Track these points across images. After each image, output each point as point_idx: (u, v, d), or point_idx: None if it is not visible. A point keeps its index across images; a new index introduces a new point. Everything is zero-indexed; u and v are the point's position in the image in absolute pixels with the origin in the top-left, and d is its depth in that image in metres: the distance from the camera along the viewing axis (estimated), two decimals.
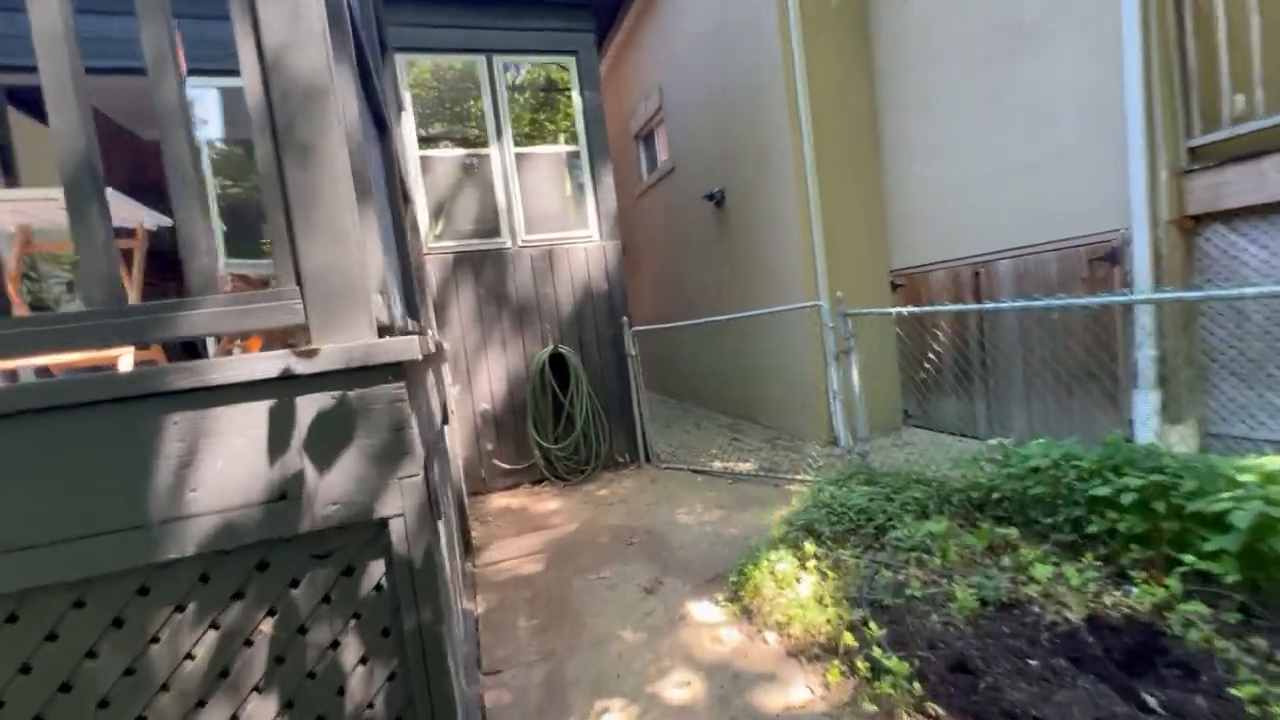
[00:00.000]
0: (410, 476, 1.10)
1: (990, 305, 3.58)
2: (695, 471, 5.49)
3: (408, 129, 5.28)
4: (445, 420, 3.50)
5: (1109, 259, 4.16)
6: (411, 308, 2.69)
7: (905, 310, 3.89)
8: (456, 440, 5.10)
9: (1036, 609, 2.54)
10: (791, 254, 5.98)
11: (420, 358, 1.38)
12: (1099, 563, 2.64)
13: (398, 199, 2.68)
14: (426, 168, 5.38)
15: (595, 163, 5.79)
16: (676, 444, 6.61)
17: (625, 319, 5.80)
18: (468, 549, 4.06)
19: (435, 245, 5.39)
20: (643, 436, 5.93)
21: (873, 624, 2.53)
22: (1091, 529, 2.71)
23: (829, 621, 2.67)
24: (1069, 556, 2.79)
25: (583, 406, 5.52)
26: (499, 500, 5.37)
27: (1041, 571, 2.61)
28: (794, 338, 5.52)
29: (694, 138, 7.84)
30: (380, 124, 2.57)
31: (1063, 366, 4.45)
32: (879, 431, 5.82)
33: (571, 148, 5.79)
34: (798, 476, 4.84)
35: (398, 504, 1.11)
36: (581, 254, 5.79)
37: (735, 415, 7.65)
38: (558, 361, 5.59)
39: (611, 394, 5.88)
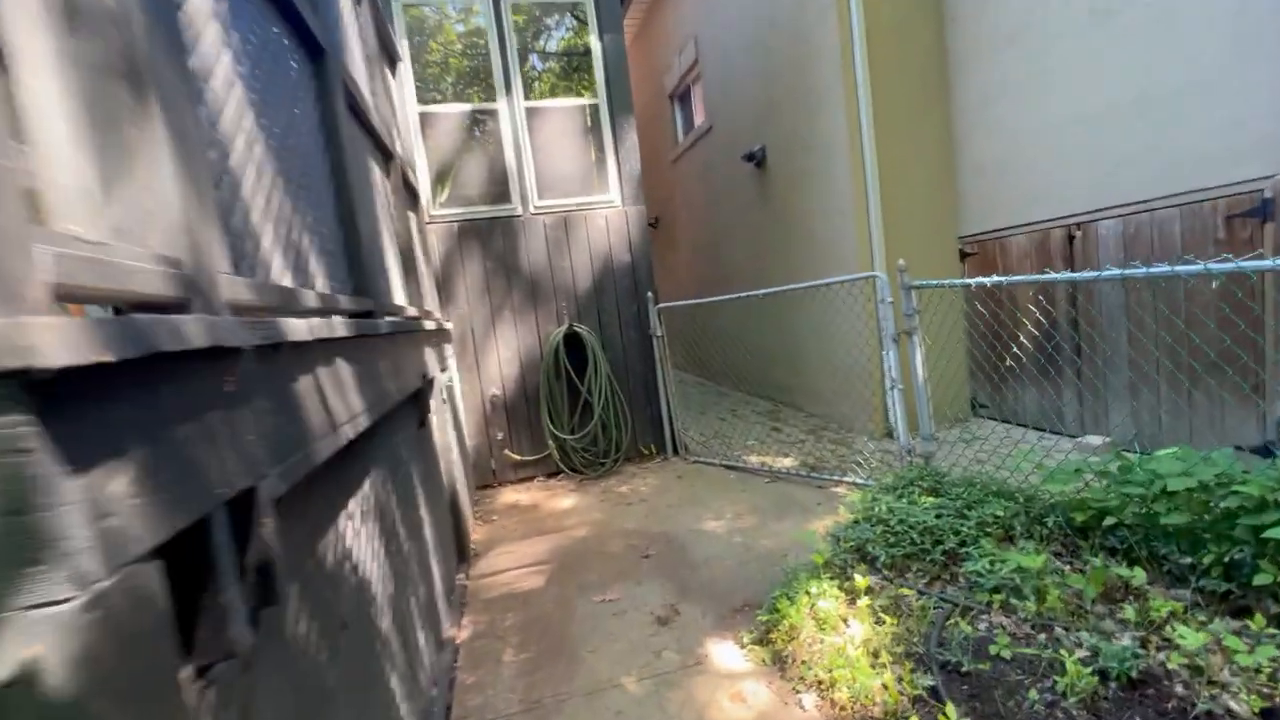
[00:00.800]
0: (51, 605, 0.55)
1: (1093, 274, 2.77)
2: (728, 467, 4.86)
3: (406, 84, 4.72)
4: (423, 423, 2.99)
5: (1256, 214, 3.26)
6: (364, 282, 2.15)
7: (988, 281, 3.12)
8: (463, 428, 4.63)
9: (1182, 690, 1.84)
10: (843, 218, 5.20)
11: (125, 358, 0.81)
12: (1275, 630, 1.91)
13: (342, 143, 2.13)
14: (427, 126, 4.82)
15: (617, 117, 5.12)
16: (709, 433, 5.99)
17: (650, 294, 5.17)
18: (462, 557, 3.58)
19: (438, 213, 4.86)
20: (670, 425, 5.33)
21: (949, 704, 1.88)
22: (1261, 580, 1.97)
23: (886, 688, 2.04)
24: (1223, 615, 2.06)
25: (602, 392, 4.95)
26: (509, 495, 4.88)
27: (1189, 637, 1.90)
28: (844, 315, 4.79)
29: (733, 92, 7.04)
30: (313, 46, 2.00)
31: (1183, 352, 3.59)
32: (944, 423, 5.05)
33: (590, 100, 5.13)
34: (846, 479, 4.15)
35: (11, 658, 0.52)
36: (601, 221, 5.16)
37: (776, 401, 6.95)
38: (574, 342, 5.02)
39: (635, 378, 5.28)
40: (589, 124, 5.13)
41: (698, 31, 7.76)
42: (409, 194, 4.26)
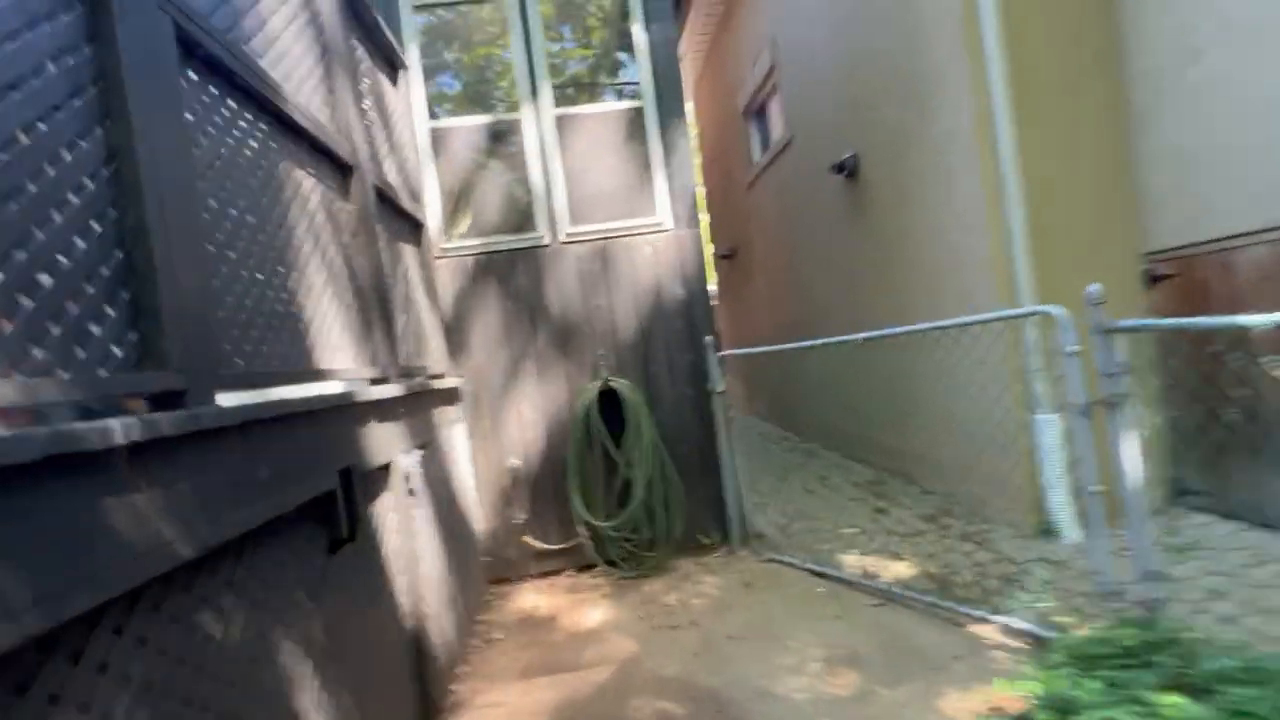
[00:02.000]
0: None
1: None
2: (816, 573, 3.57)
3: (414, 95, 4.00)
4: (347, 539, 2.01)
5: None
6: (177, 344, 1.25)
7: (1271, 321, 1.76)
8: (468, 513, 3.68)
9: None
10: (968, 234, 3.87)
11: None
12: None
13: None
14: (440, 144, 4.06)
15: (667, 122, 4.15)
16: (791, 511, 4.70)
17: (709, 339, 4.05)
18: (426, 716, 2.54)
19: (452, 246, 4.04)
20: (736, 509, 4.11)
21: None
22: None
23: None
24: None
25: (646, 466, 3.85)
26: (526, 597, 3.84)
27: None
28: (978, 365, 3.44)
29: (816, 96, 5.91)
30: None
31: None
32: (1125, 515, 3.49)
33: (633, 104, 4.19)
34: (996, 618, 2.75)
35: None
36: (647, 250, 4.15)
37: (881, 469, 5.52)
38: (611, 401, 3.98)
39: (689, 446, 4.14)
40: (631, 132, 4.18)
41: (774, 34, 6.74)
42: (403, 223, 3.45)
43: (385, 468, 2.43)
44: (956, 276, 4.06)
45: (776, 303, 7.78)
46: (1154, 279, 3.79)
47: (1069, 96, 3.74)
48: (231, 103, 1.70)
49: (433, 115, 4.08)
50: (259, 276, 1.73)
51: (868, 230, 5.15)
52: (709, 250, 12.12)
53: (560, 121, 4.11)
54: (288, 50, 2.14)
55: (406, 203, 3.51)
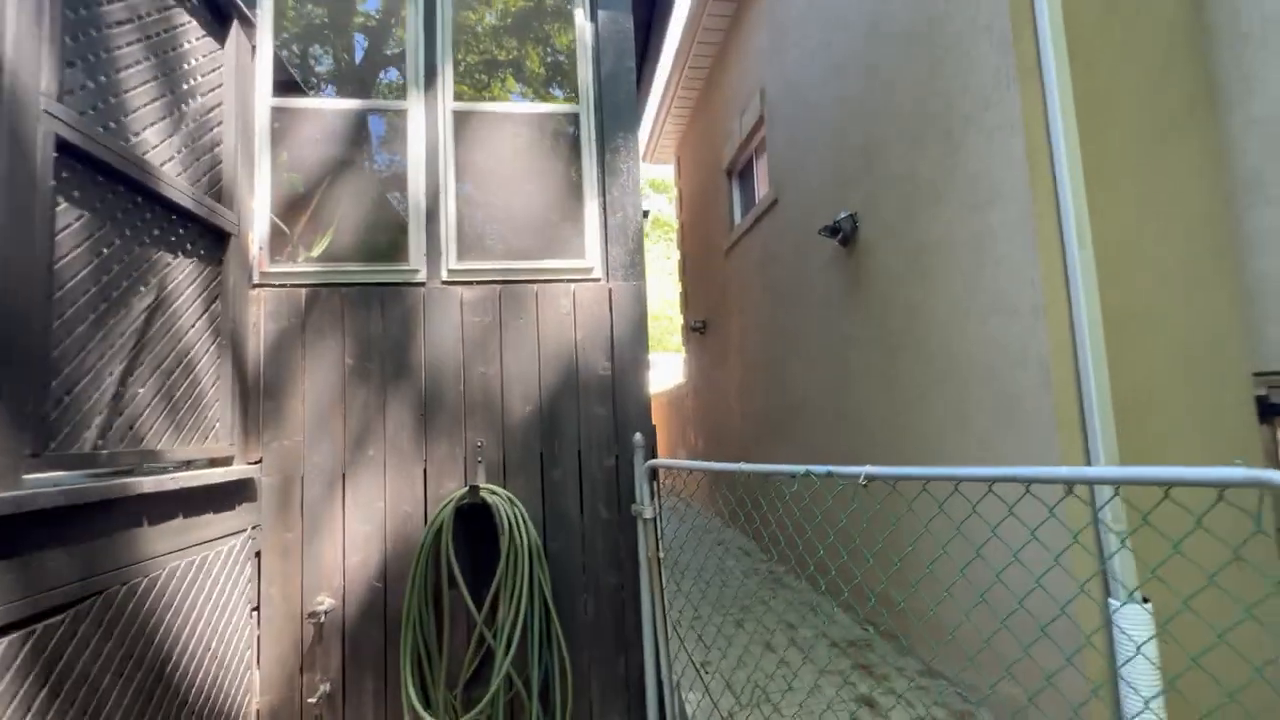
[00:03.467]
0: None
1: None
2: None
3: (261, 59, 2.87)
4: None
5: None
6: None
7: None
8: (232, 681, 2.28)
9: None
10: (1015, 321, 2.74)
11: None
12: None
13: None
14: (283, 129, 2.90)
15: (609, 135, 3.06)
16: (743, 683, 3.30)
17: (638, 437, 2.78)
18: None
19: (278, 271, 2.80)
20: (660, 697, 2.71)
21: None
22: None
23: None
24: None
25: (521, 626, 2.47)
26: None
27: None
28: (1009, 508, 2.23)
29: (807, 147, 4.97)
30: None
31: None
32: None
33: (565, 107, 3.10)
34: None
35: None
36: (564, 303, 2.95)
37: (869, 620, 4.16)
38: (480, 519, 2.64)
39: (598, 598, 2.79)
40: (559, 144, 3.08)
41: (764, 82, 5.91)
42: (175, 227, 2.22)
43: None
44: (992, 376, 2.90)
45: (750, 388, 6.60)
46: (1270, 409, 2.66)
47: (1154, 146, 2.72)
48: None
49: (279, 88, 2.94)
50: None
51: (865, 308, 4.04)
52: (680, 321, 11.07)
53: (461, 119, 2.99)
54: None
55: (185, 196, 2.29)
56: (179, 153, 2.33)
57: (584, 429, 2.89)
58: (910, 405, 3.57)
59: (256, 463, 2.67)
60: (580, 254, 3.00)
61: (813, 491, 4.82)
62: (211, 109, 2.56)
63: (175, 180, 2.26)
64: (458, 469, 2.79)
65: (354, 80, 3.16)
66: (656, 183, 30.95)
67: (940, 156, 3.25)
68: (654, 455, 2.93)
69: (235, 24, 2.72)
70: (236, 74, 2.70)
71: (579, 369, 2.92)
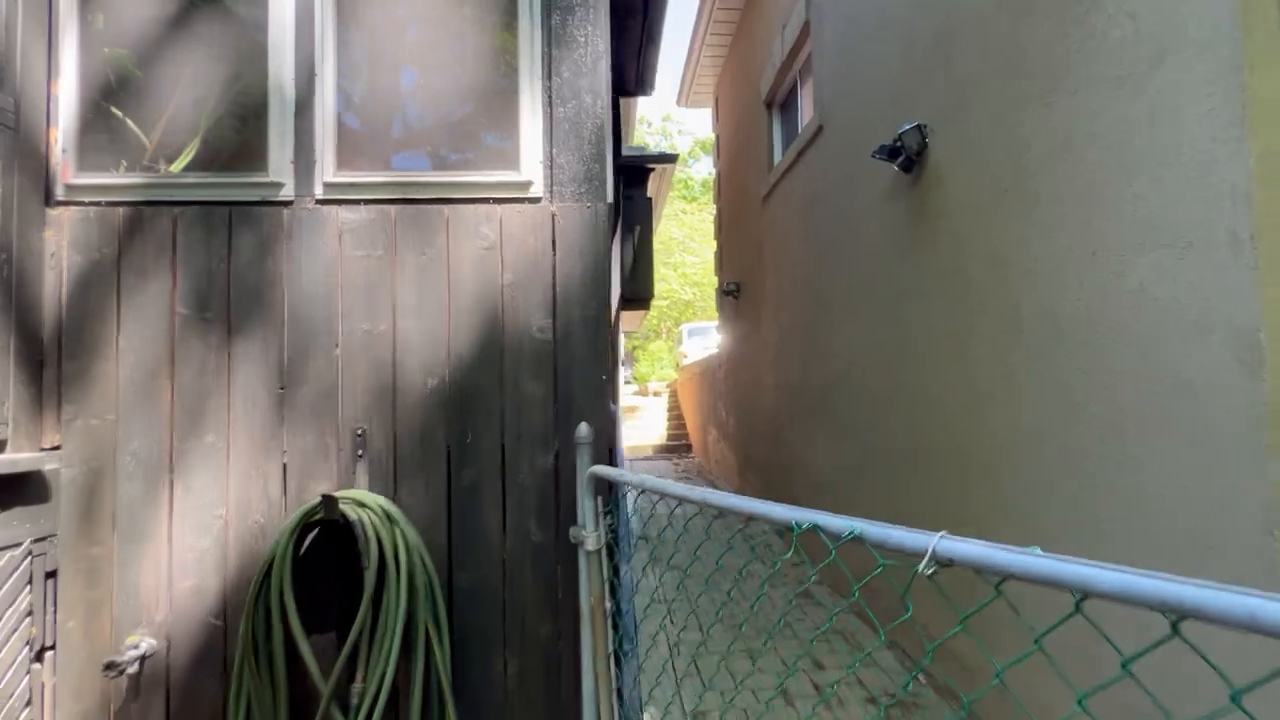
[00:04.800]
0: None
1: None
2: None
3: None
4: None
5: None
6: None
7: None
8: None
9: None
10: (1190, 266, 1.67)
11: None
12: None
13: None
14: None
15: (554, 3, 2.10)
16: None
17: (584, 429, 1.88)
18: None
19: (88, 181, 2.01)
20: None
21: None
22: None
23: None
24: None
25: (380, 693, 1.67)
26: None
27: None
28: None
29: (860, 51, 3.85)
30: None
31: None
32: None
33: None
34: None
35: None
36: (485, 230, 2.05)
37: (911, 659, 3.20)
38: (339, 540, 1.82)
39: (527, 655, 1.95)
40: (488, 9, 2.13)
41: None
42: None
43: None
44: (1136, 350, 1.85)
45: (784, 357, 5.58)
46: None
47: None
48: None
49: None
50: None
51: (932, 253, 2.97)
52: (713, 282, 10.04)
53: None
54: None
55: None
56: None
57: (510, 415, 2.02)
58: (994, 389, 2.54)
59: (53, 449, 1.93)
60: (512, 163, 2.08)
61: (861, 473, 3.87)
62: None
63: None
64: (330, 465, 1.98)
65: None
66: (706, 143, 29.35)
67: (1064, 20, 2.14)
68: (612, 456, 2.04)
69: None
70: None
71: (505, 327, 2.03)
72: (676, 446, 12.57)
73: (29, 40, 1.93)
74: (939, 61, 2.92)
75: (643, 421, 14.02)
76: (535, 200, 2.07)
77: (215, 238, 2.00)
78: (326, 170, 2.04)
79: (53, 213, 1.98)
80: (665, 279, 24.24)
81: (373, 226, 2.03)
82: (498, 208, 2.06)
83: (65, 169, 2.00)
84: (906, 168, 3.14)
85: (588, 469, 1.86)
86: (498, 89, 2.12)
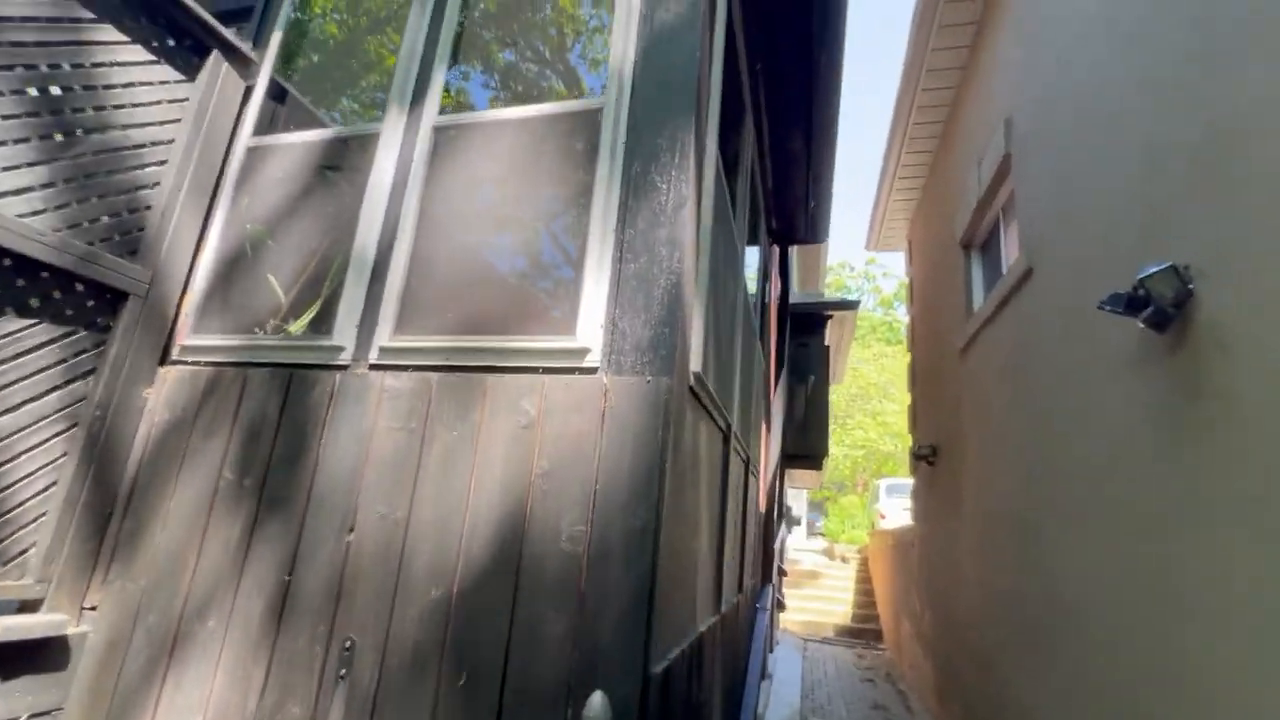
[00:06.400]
0: None
1: None
2: None
3: (255, 97, 2.40)
4: None
5: None
6: None
7: None
8: None
9: None
10: None
11: None
12: None
13: None
14: (249, 171, 2.32)
15: (643, 132, 1.84)
16: None
17: (597, 701, 1.27)
18: None
19: (199, 342, 2.12)
20: None
21: None
22: None
23: None
24: None
25: None
26: None
27: None
28: None
29: (1078, 179, 3.03)
30: None
31: None
32: None
33: (583, 104, 1.98)
34: None
35: None
36: (525, 405, 1.68)
37: None
38: None
39: None
40: (568, 160, 1.94)
41: (1010, 109, 4.09)
42: (53, 285, 1.64)
43: None
44: None
45: (990, 554, 4.22)
46: None
47: None
48: None
49: (267, 129, 2.40)
50: None
51: (1219, 457, 1.89)
52: (905, 444, 8.63)
53: (444, 138, 2.07)
54: None
55: (70, 256, 1.71)
56: (96, 206, 1.81)
57: (515, 658, 1.49)
58: None
59: (90, 609, 1.87)
60: (567, 328, 1.74)
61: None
62: (143, 147, 2.06)
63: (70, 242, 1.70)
64: (310, 682, 1.61)
65: (333, 107, 2.53)
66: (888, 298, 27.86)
67: None
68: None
69: (216, 54, 2.27)
70: (202, 110, 2.22)
71: (529, 532, 1.58)
72: (864, 632, 10.46)
73: (184, 220, 2.17)
74: (1204, 175, 2.04)
75: (826, 591, 12.08)
76: (589, 370, 1.68)
77: (271, 401, 1.93)
78: (384, 334, 1.90)
79: (162, 371, 2.09)
80: (863, 426, 22.28)
81: (413, 397, 1.80)
82: (542, 377, 1.70)
83: (183, 331, 2.14)
84: (1158, 325, 2.17)
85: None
86: (564, 247, 1.85)
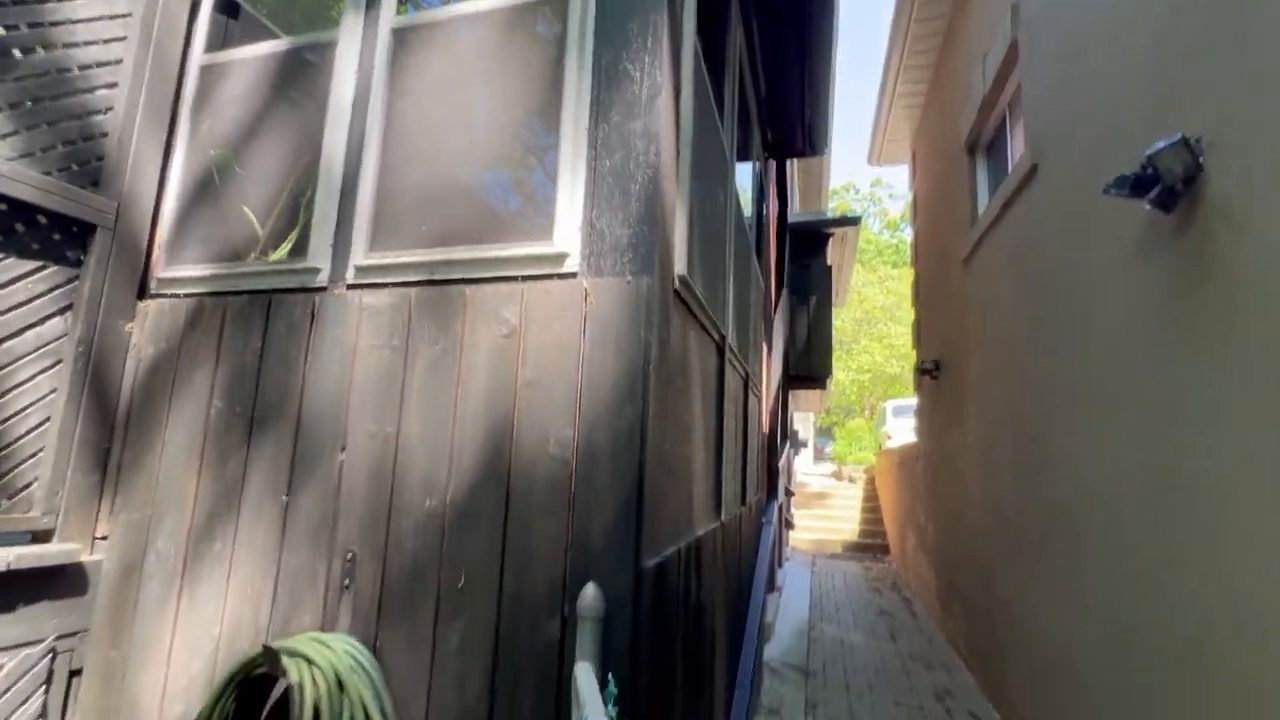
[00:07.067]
0: None
1: None
2: None
3: (204, 7, 2.26)
4: None
5: None
6: None
7: None
8: None
9: None
10: None
11: None
12: None
13: None
14: (205, 92, 2.21)
15: (610, 19, 1.71)
16: None
17: (590, 593, 1.30)
18: None
19: (175, 274, 2.08)
20: None
21: None
22: None
23: None
24: None
25: None
26: None
27: None
28: None
29: (1087, 66, 2.83)
30: None
31: None
32: None
33: None
34: None
35: None
36: (505, 314, 1.65)
37: None
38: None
39: None
40: (533, 55, 1.82)
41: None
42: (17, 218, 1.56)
43: None
44: None
45: (994, 464, 4.26)
46: None
47: None
48: None
49: (220, 46, 2.26)
50: None
51: (1228, 337, 1.85)
52: (911, 365, 8.61)
53: (403, 41, 1.94)
54: None
55: (26, 186, 1.64)
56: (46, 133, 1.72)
57: (511, 562, 1.52)
58: None
59: (102, 539, 1.92)
60: (544, 233, 1.68)
61: (1114, 658, 2.61)
62: (88, 68, 1.95)
63: (28, 169, 1.62)
64: (316, 595, 1.66)
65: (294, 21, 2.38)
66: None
67: None
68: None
69: None
70: (147, 26, 2.08)
71: (517, 440, 1.57)
72: (871, 546, 10.80)
73: (143, 146, 2.08)
74: (1216, 58, 1.90)
75: (834, 511, 12.41)
76: (568, 275, 1.63)
77: (253, 328, 1.90)
78: (358, 253, 1.84)
79: (141, 305, 2.06)
80: (868, 350, 22.24)
81: (393, 313, 1.76)
82: (520, 285, 1.65)
83: (158, 264, 2.09)
84: (1165, 204, 2.07)
85: (590, 659, 1.26)
86: (537, 147, 1.76)
